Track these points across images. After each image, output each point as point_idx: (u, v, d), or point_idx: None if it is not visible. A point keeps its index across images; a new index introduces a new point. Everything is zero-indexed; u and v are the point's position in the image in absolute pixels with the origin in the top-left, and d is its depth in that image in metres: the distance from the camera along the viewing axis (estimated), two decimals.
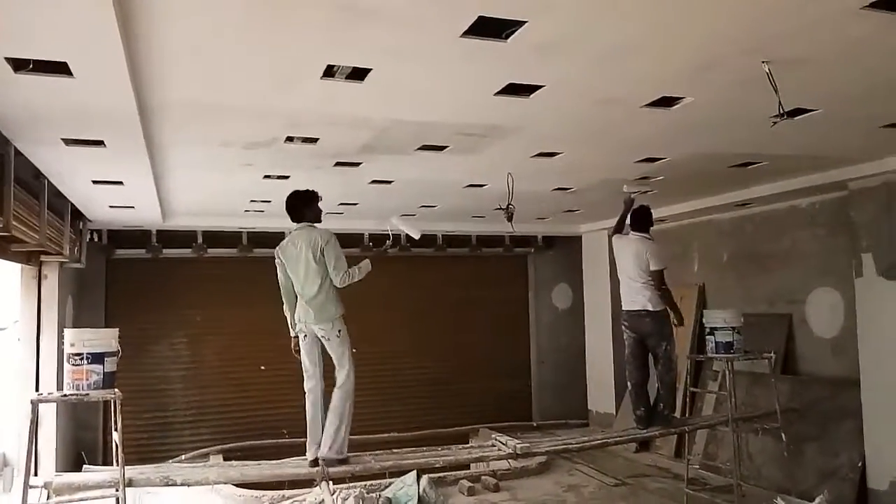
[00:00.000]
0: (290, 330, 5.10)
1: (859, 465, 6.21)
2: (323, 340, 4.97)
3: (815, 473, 6.46)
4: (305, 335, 4.98)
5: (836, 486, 6.23)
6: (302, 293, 4.92)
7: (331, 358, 5.03)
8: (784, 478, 6.21)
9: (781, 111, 3.56)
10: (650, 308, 5.94)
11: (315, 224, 5.06)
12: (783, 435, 6.13)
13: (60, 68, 2.99)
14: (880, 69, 3.53)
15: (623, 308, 6.20)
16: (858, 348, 6.32)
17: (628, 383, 6.31)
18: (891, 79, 3.68)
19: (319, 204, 5.12)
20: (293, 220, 5.09)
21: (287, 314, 5.09)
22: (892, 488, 5.92)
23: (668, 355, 6.02)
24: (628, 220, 6.32)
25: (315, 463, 4.92)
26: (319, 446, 4.92)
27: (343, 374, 4.96)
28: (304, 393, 5.09)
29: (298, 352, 5.07)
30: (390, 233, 5.59)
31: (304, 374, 5.06)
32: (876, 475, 6.08)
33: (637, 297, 5.99)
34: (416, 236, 5.50)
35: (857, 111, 4.32)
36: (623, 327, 6.23)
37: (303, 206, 5.05)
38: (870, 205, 6.18)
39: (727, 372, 6.27)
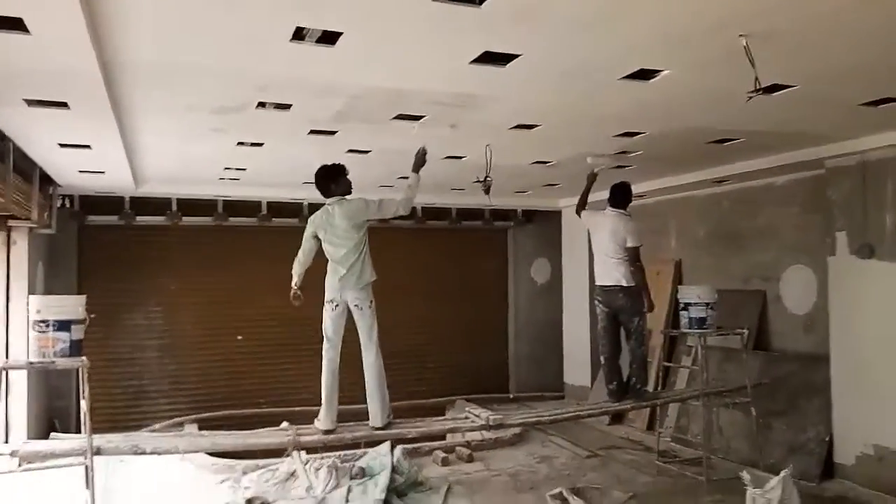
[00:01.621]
0: (294, 278, 5.29)
1: (826, 439, 6.32)
2: (355, 311, 5.17)
3: (783, 448, 6.57)
4: (337, 305, 5.13)
5: (804, 460, 6.34)
6: (340, 262, 5.10)
7: None
8: (752, 451, 6.32)
9: (758, 86, 3.53)
10: (624, 284, 5.97)
11: (346, 196, 5.25)
12: (753, 409, 6.22)
13: (16, 24, 2.88)
14: (858, 46, 3.50)
15: (597, 283, 6.22)
16: (830, 325, 6.40)
17: (601, 357, 6.35)
18: (869, 56, 3.66)
19: (348, 176, 5.28)
20: (323, 195, 5.28)
21: (297, 270, 5.29)
22: (857, 462, 6.04)
23: (640, 330, 6.07)
24: (607, 196, 6.31)
25: (331, 432, 5.09)
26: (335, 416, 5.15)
27: (373, 347, 5.21)
28: (323, 362, 5.20)
29: (298, 297, 5.25)
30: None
31: (327, 343, 5.20)
32: (842, 450, 6.21)
33: (612, 272, 6.00)
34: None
35: (834, 89, 4.30)
36: (596, 302, 6.26)
37: (329, 181, 5.22)
38: (846, 184, 6.21)
39: (700, 347, 6.34)
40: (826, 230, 6.43)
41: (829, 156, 6.17)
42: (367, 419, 5.29)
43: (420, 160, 5.26)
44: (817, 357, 6.70)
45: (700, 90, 4.29)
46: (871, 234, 5.97)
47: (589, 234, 6.38)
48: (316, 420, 5.18)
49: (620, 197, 6.23)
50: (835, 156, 6.13)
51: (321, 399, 5.15)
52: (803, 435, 6.52)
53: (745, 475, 4.47)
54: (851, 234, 6.15)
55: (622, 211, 6.15)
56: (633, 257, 5.95)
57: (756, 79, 3.47)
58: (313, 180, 5.35)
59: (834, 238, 6.31)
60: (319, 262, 5.28)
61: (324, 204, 5.30)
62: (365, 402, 5.30)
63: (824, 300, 6.57)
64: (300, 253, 5.31)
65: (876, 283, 5.91)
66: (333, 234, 5.12)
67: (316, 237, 5.22)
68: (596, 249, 6.22)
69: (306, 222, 5.38)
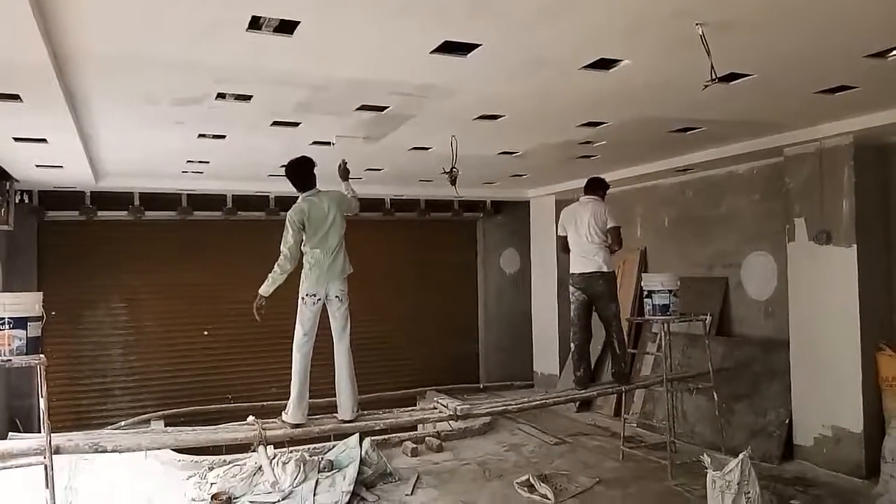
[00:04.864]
0: (272, 285, 5.09)
1: (786, 422, 6.48)
2: (335, 302, 5.15)
3: (744, 431, 6.71)
4: (319, 299, 5.11)
5: (764, 442, 6.50)
6: (328, 253, 5.09)
7: None
8: (716, 435, 6.44)
9: (714, 75, 3.57)
10: (605, 269, 6.13)
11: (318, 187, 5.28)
12: (715, 394, 6.34)
13: None
14: (813, 34, 3.57)
15: (575, 271, 6.29)
16: (789, 310, 6.55)
17: (572, 344, 6.41)
18: (824, 44, 3.73)
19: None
20: (301, 188, 5.23)
21: (286, 267, 5.08)
22: (816, 444, 6.21)
23: (618, 315, 6.26)
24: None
25: (300, 426, 5.04)
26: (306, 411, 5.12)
27: (347, 339, 5.21)
28: (295, 356, 5.14)
29: (260, 309, 5.10)
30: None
31: (304, 337, 5.12)
32: (801, 432, 6.37)
33: (593, 258, 6.13)
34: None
35: (790, 77, 4.38)
36: (573, 289, 6.31)
37: (309, 173, 5.23)
38: (804, 171, 6.34)
39: (663, 334, 6.43)
40: (785, 217, 6.57)
41: (787, 144, 6.28)
42: (333, 412, 5.27)
43: (343, 172, 5.57)
44: (777, 342, 6.85)
45: (660, 80, 4.33)
46: (829, 220, 6.11)
47: (566, 232, 6.39)
48: (284, 414, 5.12)
49: (597, 187, 6.44)
50: (793, 144, 6.25)
51: (291, 393, 5.10)
52: (764, 418, 6.67)
53: (706, 458, 4.56)
54: (809, 221, 6.29)
55: (599, 197, 6.34)
56: (616, 236, 6.13)
57: (712, 67, 3.51)
58: (287, 173, 5.28)
59: (793, 225, 6.45)
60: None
61: (296, 197, 5.23)
62: (330, 396, 5.27)
63: (784, 286, 6.72)
64: (291, 249, 5.02)
65: (833, 269, 6.06)
66: (325, 223, 5.10)
67: (301, 229, 5.08)
68: (576, 240, 6.27)
69: (274, 215, 5.33)
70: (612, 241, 6.14)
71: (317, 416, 5.29)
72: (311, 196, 5.17)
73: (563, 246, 6.51)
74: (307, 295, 5.10)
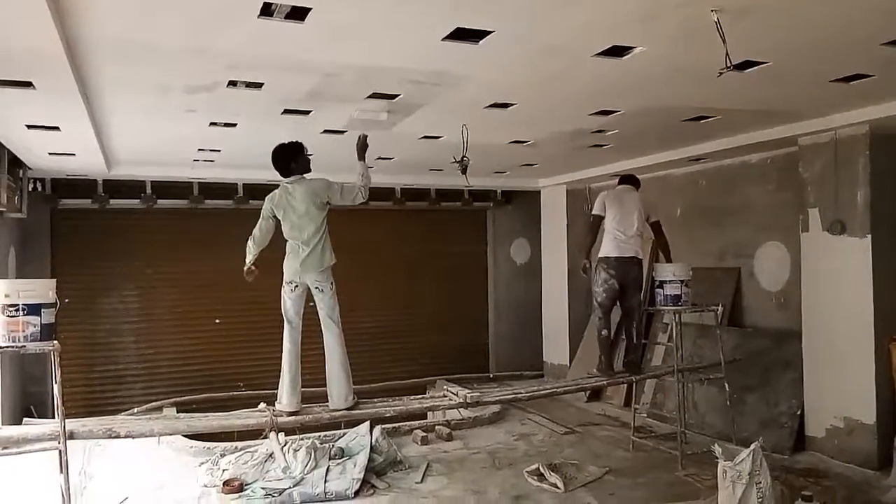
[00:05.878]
0: (248, 257, 5.20)
1: (798, 413, 6.45)
2: (316, 293, 5.08)
3: (755, 421, 6.69)
4: (297, 286, 5.07)
5: (776, 433, 6.47)
6: (301, 243, 5.00)
7: None
8: (726, 426, 6.42)
9: (728, 63, 3.53)
10: (640, 256, 6.28)
11: (305, 175, 5.13)
12: (726, 385, 6.31)
13: None
14: (827, 21, 3.52)
15: (610, 255, 6.25)
16: (802, 301, 6.50)
17: (602, 331, 6.42)
18: (839, 31, 3.68)
19: (307, 154, 5.17)
20: (282, 174, 5.13)
21: (252, 250, 5.18)
22: (828, 435, 6.18)
23: (641, 305, 6.41)
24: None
25: (296, 413, 5.01)
26: (300, 398, 5.08)
27: (335, 327, 5.11)
28: (284, 344, 5.12)
29: (252, 273, 5.18)
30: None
31: (288, 326, 5.11)
32: (813, 423, 6.34)
33: (631, 244, 6.22)
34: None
35: (806, 65, 4.33)
36: (606, 275, 6.27)
37: (289, 159, 5.08)
38: (818, 161, 6.28)
39: (675, 324, 6.41)
40: (799, 207, 6.51)
41: (801, 133, 6.22)
42: None
43: (362, 147, 5.16)
44: (790, 332, 6.81)
45: (674, 67, 4.29)
46: (843, 210, 6.05)
47: (605, 214, 6.37)
48: (277, 403, 5.08)
49: (633, 179, 6.64)
50: (807, 133, 6.19)
51: (282, 381, 5.06)
52: (776, 409, 6.65)
53: (717, 448, 4.54)
54: (823, 211, 6.23)
55: (635, 189, 6.52)
56: (659, 230, 6.44)
57: (727, 54, 3.47)
58: (271, 158, 5.20)
59: (807, 215, 6.40)
60: (280, 242, 5.22)
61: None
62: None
63: (797, 276, 6.67)
64: (256, 231, 5.16)
65: (847, 259, 6.01)
66: (294, 214, 4.99)
67: (274, 217, 5.10)
68: (619, 222, 6.24)
69: None
70: (656, 234, 6.44)
71: (326, 403, 5.29)
72: (290, 183, 5.07)
73: (593, 226, 6.45)
74: (286, 283, 5.11)
